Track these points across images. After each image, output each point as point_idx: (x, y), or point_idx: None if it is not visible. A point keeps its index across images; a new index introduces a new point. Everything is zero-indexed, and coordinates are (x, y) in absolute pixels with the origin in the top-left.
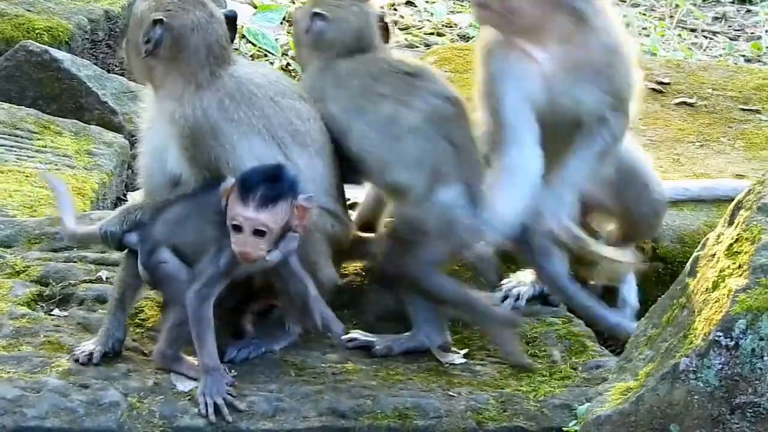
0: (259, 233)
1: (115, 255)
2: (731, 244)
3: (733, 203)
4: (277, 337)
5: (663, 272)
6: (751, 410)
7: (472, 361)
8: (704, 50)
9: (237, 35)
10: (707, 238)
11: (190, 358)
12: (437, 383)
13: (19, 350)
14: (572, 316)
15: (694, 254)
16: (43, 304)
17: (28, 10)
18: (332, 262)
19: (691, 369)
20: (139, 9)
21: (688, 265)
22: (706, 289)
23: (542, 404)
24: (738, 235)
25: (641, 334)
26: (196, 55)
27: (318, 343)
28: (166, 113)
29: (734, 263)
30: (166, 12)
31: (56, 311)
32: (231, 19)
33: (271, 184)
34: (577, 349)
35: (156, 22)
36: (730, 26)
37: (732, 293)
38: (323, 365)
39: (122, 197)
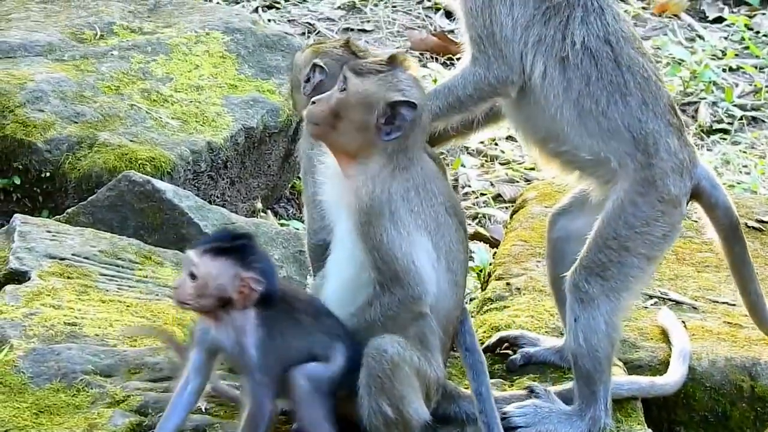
0: (191, 276)
1: (214, 386)
2: None
3: None
4: None
5: (762, 411)
6: None
7: None
8: None
9: None
10: None
11: None
12: None
13: None
14: None
15: None
16: None
17: (131, 141)
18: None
19: None
20: (365, 87)
21: None
22: None
23: None
24: None
25: None
26: (421, 136)
27: None
28: (353, 184)
29: None
30: (406, 93)
31: None
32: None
33: (229, 241)
34: None
35: (404, 104)
36: None
37: None
38: None
39: None
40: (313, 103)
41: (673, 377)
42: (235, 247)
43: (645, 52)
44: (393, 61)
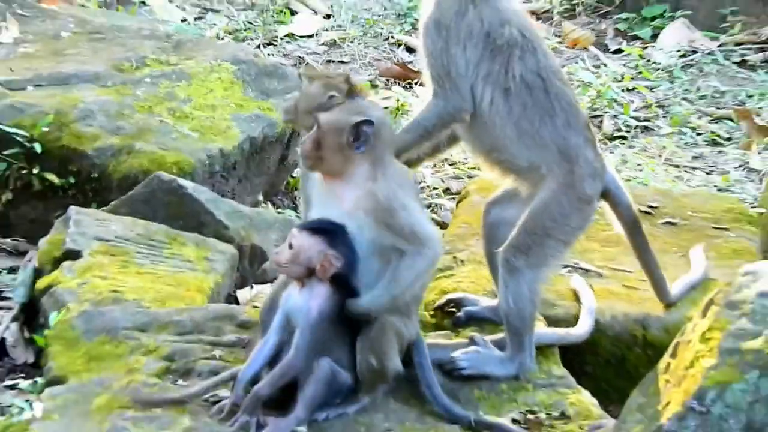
0: (290, 246)
1: (225, 339)
2: (704, 332)
3: (707, 300)
4: (351, 402)
5: (652, 355)
6: None
7: None
8: (686, 182)
9: None
10: (686, 327)
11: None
12: None
13: (152, 412)
14: (580, 387)
15: (675, 340)
16: (170, 376)
17: (161, 148)
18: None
19: (672, 430)
20: (333, 118)
21: (670, 348)
22: (685, 367)
23: None
24: (710, 325)
25: (634, 402)
26: (388, 143)
27: (384, 407)
28: (361, 192)
29: (706, 347)
30: (365, 114)
31: (180, 381)
32: None
33: (325, 225)
34: (584, 414)
35: (363, 122)
36: (705, 163)
37: (705, 370)
38: (386, 424)
39: (232, 293)
40: (303, 143)
41: (583, 329)
42: (328, 230)
43: (567, 82)
44: (351, 93)
